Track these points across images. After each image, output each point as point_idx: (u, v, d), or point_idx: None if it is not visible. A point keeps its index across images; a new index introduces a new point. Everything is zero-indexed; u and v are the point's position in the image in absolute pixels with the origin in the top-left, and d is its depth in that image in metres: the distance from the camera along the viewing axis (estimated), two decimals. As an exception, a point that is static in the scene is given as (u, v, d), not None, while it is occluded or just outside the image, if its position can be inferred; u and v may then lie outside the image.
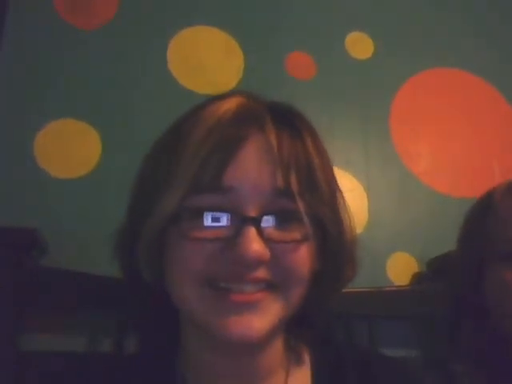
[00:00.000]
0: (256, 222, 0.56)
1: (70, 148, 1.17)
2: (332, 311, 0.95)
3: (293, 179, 0.58)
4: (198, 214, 0.57)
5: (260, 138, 0.59)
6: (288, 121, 0.63)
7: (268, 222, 0.58)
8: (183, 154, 0.58)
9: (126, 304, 0.92)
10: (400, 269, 1.28)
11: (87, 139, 1.18)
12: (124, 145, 1.19)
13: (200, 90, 1.27)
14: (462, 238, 0.94)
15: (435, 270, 1.20)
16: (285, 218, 0.59)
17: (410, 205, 1.34)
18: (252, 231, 0.55)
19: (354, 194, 1.31)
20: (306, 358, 0.69)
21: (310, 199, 0.58)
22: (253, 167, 0.58)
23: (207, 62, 1.31)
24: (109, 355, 0.89)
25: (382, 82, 1.42)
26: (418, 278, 1.23)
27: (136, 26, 1.29)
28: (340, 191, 0.66)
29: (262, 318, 0.57)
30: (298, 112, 0.65)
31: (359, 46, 1.43)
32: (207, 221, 0.57)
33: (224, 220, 0.57)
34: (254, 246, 0.55)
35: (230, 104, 0.61)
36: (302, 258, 0.59)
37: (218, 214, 0.57)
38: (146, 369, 0.67)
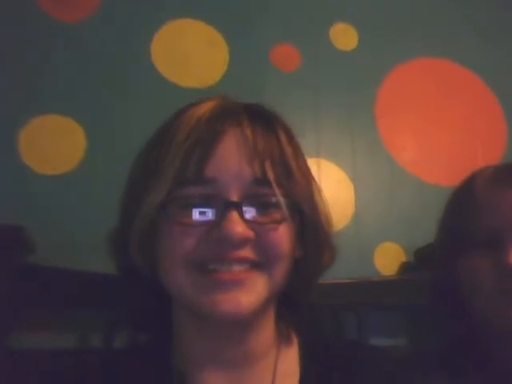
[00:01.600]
0: (238, 206, 0.62)
1: (54, 144, 1.16)
2: (321, 303, 0.95)
3: (268, 168, 0.64)
4: (185, 204, 0.63)
5: (237, 132, 0.65)
6: (262, 117, 0.68)
7: (249, 206, 0.63)
8: (169, 151, 0.64)
9: (115, 300, 0.92)
10: (387, 259, 1.29)
11: (72, 135, 1.17)
12: (109, 140, 1.18)
13: (185, 84, 1.26)
14: (441, 224, 0.94)
15: (422, 260, 1.21)
16: (264, 203, 0.64)
17: (397, 195, 1.35)
18: (235, 214, 0.61)
19: (340, 185, 1.32)
20: (295, 341, 0.73)
21: (285, 186, 0.64)
22: (232, 159, 0.64)
23: (192, 55, 1.31)
24: (101, 350, 0.90)
25: (367, 73, 1.42)
26: (405, 268, 1.24)
27: (120, 19, 1.28)
28: (315, 181, 0.71)
29: (248, 294, 0.62)
30: (272, 110, 0.71)
31: (344, 37, 1.43)
32: (195, 215, 0.63)
33: (209, 214, 0.63)
34: (237, 227, 0.61)
35: (209, 105, 0.68)
36: (282, 237, 0.65)
37: (203, 210, 0.63)
38: (140, 360, 0.70)
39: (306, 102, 1.34)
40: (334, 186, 1.31)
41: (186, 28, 1.32)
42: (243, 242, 0.62)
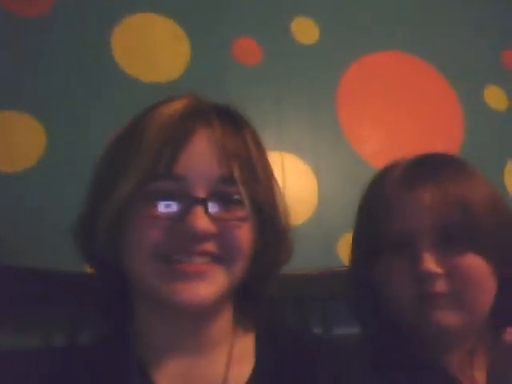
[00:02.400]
0: (203, 202, 0.65)
1: (13, 141, 1.14)
2: (285, 293, 0.96)
3: (235, 168, 0.67)
4: (153, 198, 0.66)
5: (207, 132, 0.68)
6: (231, 119, 0.72)
7: (214, 203, 0.67)
8: (140, 147, 0.66)
9: (79, 298, 0.92)
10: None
11: (31, 131, 1.15)
12: (69, 136, 1.16)
13: (147, 79, 1.25)
14: (356, 222, 0.92)
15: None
16: (228, 201, 0.68)
17: (359, 186, 1.36)
18: (200, 210, 0.64)
19: (303, 177, 1.33)
20: (251, 332, 0.76)
21: (249, 185, 0.68)
22: (200, 158, 0.67)
23: (154, 49, 1.30)
24: (64, 348, 0.89)
25: (328, 66, 1.44)
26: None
27: (79, 13, 1.26)
28: (276, 180, 0.75)
29: (207, 286, 0.65)
30: (239, 112, 0.74)
31: (305, 30, 1.44)
32: (161, 207, 0.65)
33: (173, 206, 0.66)
34: (201, 222, 0.64)
35: (179, 104, 0.70)
36: (243, 234, 0.68)
37: (169, 203, 0.66)
38: (102, 351, 0.73)
39: (268, 96, 1.34)
40: (297, 179, 1.32)
41: (147, 22, 1.31)
42: (206, 237, 0.65)
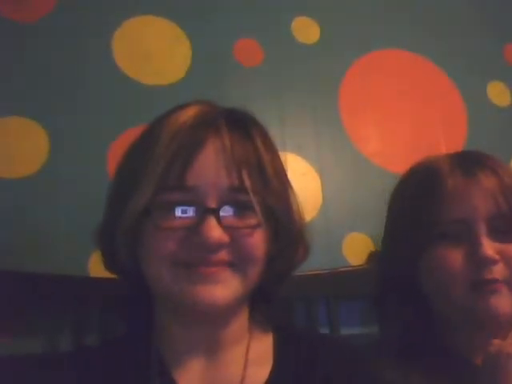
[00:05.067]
0: (215, 212, 0.67)
1: (15, 147, 1.13)
2: (291, 294, 0.96)
3: (245, 176, 0.69)
4: (168, 208, 0.68)
5: (216, 141, 0.69)
6: (241, 124, 0.73)
7: (226, 212, 0.68)
8: (151, 158, 0.68)
9: (82, 301, 0.92)
10: (356, 249, 1.30)
11: (34, 137, 1.15)
12: (71, 140, 1.16)
13: (148, 82, 1.25)
14: (396, 216, 0.93)
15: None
16: (240, 209, 0.69)
17: (363, 186, 1.36)
18: (212, 220, 0.66)
19: (307, 177, 1.32)
20: (269, 333, 0.78)
21: (261, 192, 0.69)
22: (211, 167, 0.68)
23: (154, 51, 1.29)
24: (83, 349, 0.91)
25: (329, 65, 1.43)
26: (373, 258, 1.25)
27: (79, 16, 1.25)
28: (289, 183, 0.76)
29: (223, 290, 0.67)
30: (250, 115, 0.75)
31: (305, 30, 1.43)
32: (178, 212, 0.68)
33: (190, 211, 0.68)
34: (214, 232, 0.66)
35: (190, 112, 0.72)
36: (257, 241, 0.70)
37: (184, 208, 0.68)
38: (122, 354, 0.75)
39: (270, 96, 1.34)
40: (301, 179, 1.32)
41: (147, 25, 1.30)
42: (220, 246, 0.67)
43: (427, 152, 0.96)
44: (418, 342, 0.85)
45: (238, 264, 0.69)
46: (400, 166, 1.40)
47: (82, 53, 1.23)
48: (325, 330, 1.13)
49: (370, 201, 1.34)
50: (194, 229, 0.67)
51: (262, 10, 1.41)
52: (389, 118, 1.45)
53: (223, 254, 0.68)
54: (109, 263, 0.76)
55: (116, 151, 1.08)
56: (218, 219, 0.67)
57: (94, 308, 0.99)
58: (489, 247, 0.81)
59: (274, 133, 1.31)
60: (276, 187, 0.72)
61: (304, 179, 1.32)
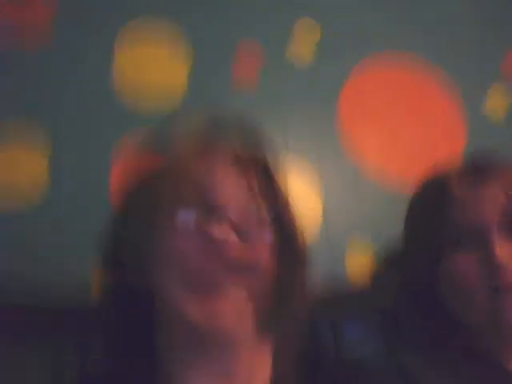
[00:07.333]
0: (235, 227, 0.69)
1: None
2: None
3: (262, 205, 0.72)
4: (184, 226, 0.69)
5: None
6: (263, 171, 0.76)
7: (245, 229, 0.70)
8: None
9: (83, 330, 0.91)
10: (359, 264, 1.30)
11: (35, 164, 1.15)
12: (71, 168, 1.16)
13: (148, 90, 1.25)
14: (413, 227, 0.95)
15: (391, 264, 1.22)
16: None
17: (364, 201, 1.36)
18: (232, 235, 0.68)
19: (307, 192, 1.32)
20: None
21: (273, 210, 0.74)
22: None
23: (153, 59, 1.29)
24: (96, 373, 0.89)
25: (330, 68, 1.42)
26: (376, 273, 1.25)
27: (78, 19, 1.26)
28: (295, 205, 0.79)
29: (232, 309, 0.67)
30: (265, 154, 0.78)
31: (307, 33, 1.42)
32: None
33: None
34: (233, 250, 0.68)
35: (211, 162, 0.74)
36: (269, 260, 0.71)
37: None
38: (129, 378, 0.74)
39: (272, 112, 1.34)
40: (301, 193, 1.32)
41: (147, 26, 1.29)
42: (238, 265, 0.68)
43: (428, 161, 0.98)
44: (446, 353, 0.86)
45: (248, 282, 0.70)
46: (401, 178, 1.42)
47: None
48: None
49: (371, 215, 1.34)
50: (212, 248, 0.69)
51: (263, 11, 1.40)
52: (387, 131, 1.44)
53: (240, 276, 0.69)
54: (116, 289, 0.76)
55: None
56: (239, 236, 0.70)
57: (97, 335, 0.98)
58: (502, 252, 0.81)
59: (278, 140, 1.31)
60: (286, 208, 0.77)
61: (304, 194, 1.32)
